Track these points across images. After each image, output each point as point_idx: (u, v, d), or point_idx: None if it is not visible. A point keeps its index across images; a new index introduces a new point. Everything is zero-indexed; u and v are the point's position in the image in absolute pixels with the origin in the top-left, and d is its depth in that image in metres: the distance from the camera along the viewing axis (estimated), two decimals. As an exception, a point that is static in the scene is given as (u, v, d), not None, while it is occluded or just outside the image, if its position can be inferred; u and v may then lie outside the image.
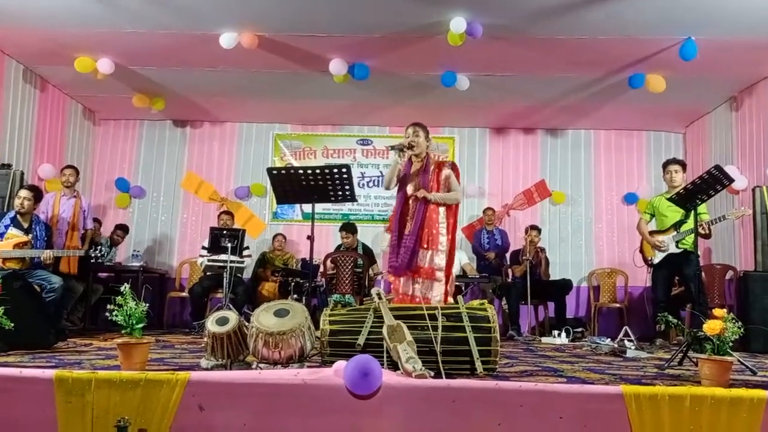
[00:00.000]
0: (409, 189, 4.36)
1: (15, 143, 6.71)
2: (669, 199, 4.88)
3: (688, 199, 4.42)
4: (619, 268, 8.16)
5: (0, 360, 3.24)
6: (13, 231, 5.17)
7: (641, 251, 5.87)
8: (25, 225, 5.27)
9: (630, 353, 4.51)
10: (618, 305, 7.90)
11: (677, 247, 5.45)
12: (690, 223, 5.08)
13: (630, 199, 8.52)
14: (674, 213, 5.44)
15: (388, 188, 4.52)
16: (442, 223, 4.27)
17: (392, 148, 4.44)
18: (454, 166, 4.52)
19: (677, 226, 5.46)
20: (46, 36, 6.10)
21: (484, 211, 8.12)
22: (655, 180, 8.30)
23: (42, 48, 6.36)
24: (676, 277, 5.94)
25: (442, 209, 4.30)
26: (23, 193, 5.31)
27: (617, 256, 8.38)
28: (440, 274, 4.18)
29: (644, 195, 8.31)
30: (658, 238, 5.59)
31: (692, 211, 4.55)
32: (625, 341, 5.03)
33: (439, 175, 4.36)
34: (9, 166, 6.11)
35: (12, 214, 5.27)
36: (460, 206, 4.66)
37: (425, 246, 4.18)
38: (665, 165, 5.71)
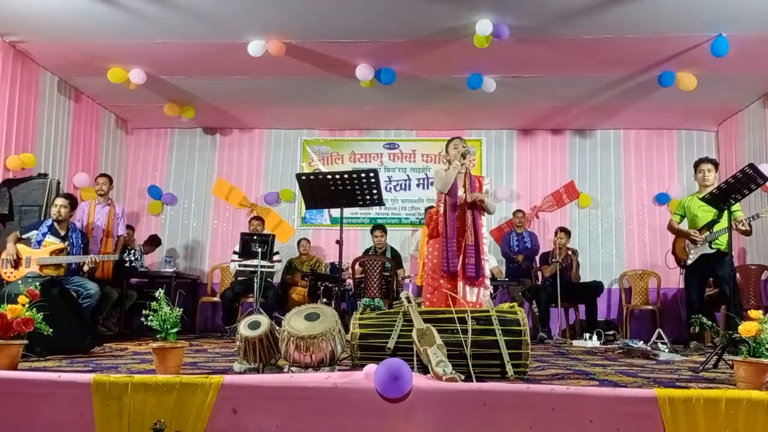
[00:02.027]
0: (460, 192, 4.38)
1: (51, 153, 6.89)
2: (702, 199, 4.80)
3: (721, 198, 4.34)
4: (651, 269, 8.04)
5: (39, 365, 3.32)
6: (50, 239, 5.30)
7: (674, 252, 5.78)
8: (62, 233, 5.40)
9: (663, 356, 4.45)
10: (650, 307, 7.78)
11: (710, 247, 5.35)
12: (723, 223, 4.99)
13: (661, 199, 8.39)
14: (706, 213, 5.35)
15: (443, 192, 4.44)
16: (485, 233, 4.43)
17: (464, 155, 4.48)
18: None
19: (710, 226, 5.36)
20: (80, 48, 6.26)
21: (513, 214, 8.07)
22: (687, 179, 8.16)
23: (76, 60, 6.52)
24: (710, 278, 5.82)
25: (484, 218, 4.44)
26: (59, 201, 5.44)
27: (649, 258, 8.25)
28: (488, 282, 4.32)
29: (676, 195, 8.18)
30: (692, 232, 5.47)
31: (725, 211, 4.47)
32: (659, 344, 4.97)
33: (481, 188, 4.49)
34: (45, 175, 6.26)
35: (49, 222, 5.40)
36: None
37: (482, 256, 4.26)
38: (697, 164, 5.61)
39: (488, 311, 3.12)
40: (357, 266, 6.95)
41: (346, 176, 4.52)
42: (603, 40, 5.87)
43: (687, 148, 8.52)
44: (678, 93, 6.73)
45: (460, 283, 4.19)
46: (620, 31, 5.71)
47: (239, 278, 7.20)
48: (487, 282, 4.29)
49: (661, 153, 8.60)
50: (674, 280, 7.31)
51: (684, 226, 5.72)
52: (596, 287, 7.14)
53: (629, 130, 8.64)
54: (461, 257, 4.22)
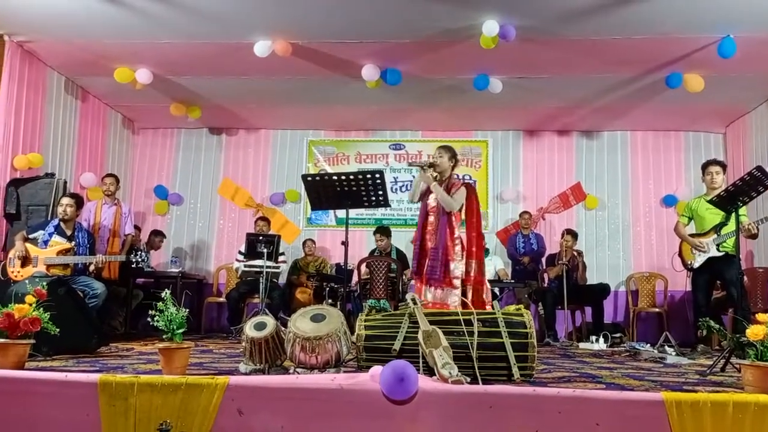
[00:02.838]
0: (430, 199, 4.59)
1: (58, 153, 6.92)
2: (709, 201, 4.77)
3: (729, 201, 4.31)
4: (658, 272, 8.01)
5: (45, 364, 3.33)
6: (56, 238, 5.32)
7: (680, 255, 5.75)
8: (68, 232, 5.42)
9: (670, 359, 4.43)
10: (657, 310, 7.74)
11: (718, 250, 5.33)
12: (731, 226, 4.97)
13: (669, 201, 8.36)
14: (713, 215, 5.32)
15: (412, 201, 4.85)
16: (456, 235, 4.46)
17: (411, 164, 4.91)
18: (467, 185, 4.67)
19: (717, 228, 5.34)
20: (87, 48, 6.28)
21: (520, 215, 8.04)
22: (695, 181, 8.13)
23: (83, 59, 6.54)
24: (718, 281, 5.79)
25: (454, 221, 4.48)
26: (65, 200, 5.46)
27: (656, 260, 8.22)
28: (456, 282, 4.36)
29: (683, 197, 8.15)
30: (698, 240, 5.47)
31: (733, 214, 4.44)
32: (666, 347, 4.95)
33: (449, 190, 4.55)
34: (52, 175, 6.28)
35: (56, 222, 5.42)
36: (483, 212, 4.87)
37: (450, 258, 4.39)
38: (705, 166, 5.59)
39: (494, 313, 3.11)
40: (363, 267, 6.94)
41: (351, 177, 4.53)
42: (610, 41, 5.85)
43: (694, 150, 8.49)
44: (685, 94, 6.70)
45: (426, 288, 4.41)
46: (627, 32, 5.69)
47: (244, 278, 7.20)
48: (456, 283, 4.34)
49: (668, 155, 8.57)
50: (681, 282, 7.26)
51: (691, 228, 5.69)
52: (603, 289, 7.12)
53: (636, 132, 8.61)
54: (427, 259, 4.46)
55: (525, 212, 8.03)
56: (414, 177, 4.74)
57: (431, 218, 4.54)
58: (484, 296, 4.38)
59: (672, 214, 8.18)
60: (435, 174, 4.57)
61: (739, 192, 4.19)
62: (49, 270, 5.10)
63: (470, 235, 4.47)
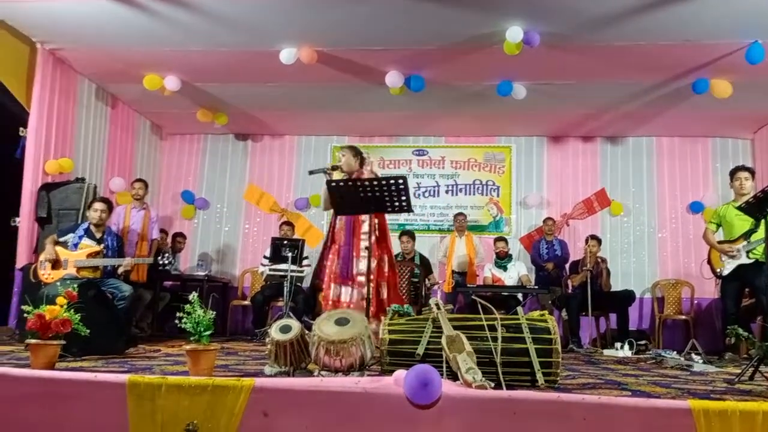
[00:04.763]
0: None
1: (88, 158, 7.07)
2: (738, 208, 4.70)
3: (758, 207, 4.25)
4: (684, 279, 7.90)
5: (75, 365, 3.40)
6: (86, 241, 5.42)
7: (709, 262, 5.67)
8: (98, 236, 5.52)
9: (697, 367, 4.36)
10: (684, 317, 7.64)
11: (748, 257, 5.24)
12: (761, 233, 4.89)
13: (695, 207, 8.25)
14: (742, 222, 5.24)
15: (326, 209, 4.89)
16: (364, 231, 4.52)
17: (311, 172, 4.88)
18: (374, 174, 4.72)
19: (747, 235, 5.25)
20: (117, 56, 6.41)
21: (543, 221, 8.00)
22: (722, 188, 8.01)
23: (113, 67, 6.68)
24: (747, 289, 5.70)
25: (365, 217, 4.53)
26: (99, 205, 5.55)
27: (683, 267, 8.11)
28: (360, 279, 4.45)
29: (710, 203, 8.03)
30: (728, 245, 5.39)
31: (762, 220, 4.37)
32: (692, 354, 4.88)
33: None
34: (83, 180, 6.41)
35: (85, 225, 5.53)
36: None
37: (356, 255, 4.50)
38: (733, 172, 5.51)
39: (518, 319, 3.10)
40: (385, 272, 6.95)
41: (375, 183, 4.54)
42: (635, 47, 5.81)
43: (722, 156, 8.37)
44: (712, 100, 6.62)
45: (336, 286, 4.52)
46: (653, 38, 5.65)
47: (269, 282, 7.26)
48: (359, 279, 4.42)
49: (695, 161, 8.46)
50: (708, 290, 7.17)
51: (720, 235, 5.61)
52: (628, 296, 7.04)
53: (662, 138, 8.52)
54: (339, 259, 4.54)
55: (548, 218, 8.00)
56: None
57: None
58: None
59: (699, 221, 8.07)
60: (343, 174, 4.61)
61: (768, 198, 4.12)
62: (79, 272, 5.19)
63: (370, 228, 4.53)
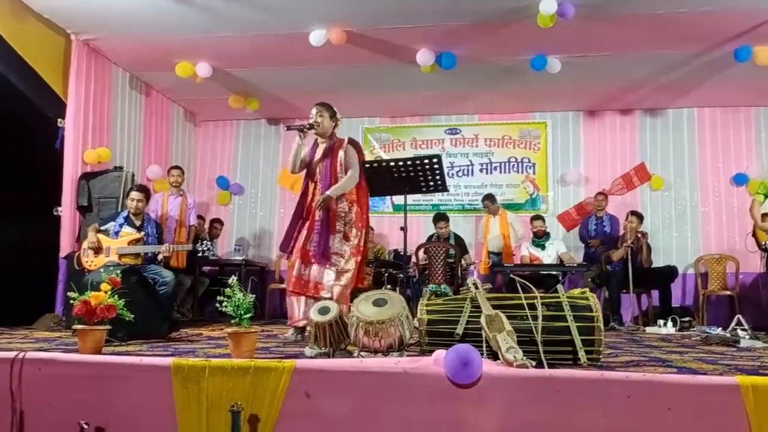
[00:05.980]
0: (317, 174, 4.44)
1: (125, 147, 7.18)
2: (786, 179, 4.56)
3: (807, 177, 4.10)
4: (728, 253, 7.69)
5: (121, 349, 3.48)
6: (127, 229, 5.52)
7: (754, 235, 5.52)
8: (138, 223, 5.62)
9: (744, 343, 4.25)
10: (729, 293, 7.45)
11: (795, 229, 5.08)
12: (810, 204, 4.73)
13: (739, 179, 8.00)
14: (791, 193, 5.08)
15: (293, 172, 4.57)
16: (341, 207, 4.32)
17: (289, 128, 4.55)
18: (352, 142, 4.54)
19: (795, 206, 5.09)
20: (149, 44, 6.48)
21: (594, 196, 7.79)
22: (767, 158, 7.75)
23: (145, 56, 6.76)
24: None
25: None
26: (135, 195, 5.64)
27: (726, 241, 7.90)
28: (334, 259, 4.24)
29: (755, 175, 7.78)
30: None
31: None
32: (738, 330, 4.75)
33: (337, 158, 4.39)
34: (121, 168, 6.52)
35: (125, 213, 5.63)
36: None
37: (332, 231, 4.27)
38: (780, 142, 5.32)
39: (559, 297, 3.05)
40: (421, 253, 6.94)
41: (409, 163, 4.53)
42: (673, 15, 5.62)
43: (765, 126, 8.09)
44: (755, 68, 6.39)
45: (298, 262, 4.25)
46: (692, 5, 5.45)
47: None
48: (334, 259, 4.22)
49: (737, 131, 8.19)
50: (754, 264, 6.96)
51: (767, 207, 5.44)
52: (670, 272, 6.90)
53: (703, 108, 8.26)
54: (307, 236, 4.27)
55: (599, 193, 7.76)
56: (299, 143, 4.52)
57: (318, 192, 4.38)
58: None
59: (743, 193, 7.83)
60: (313, 133, 4.44)
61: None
62: (120, 259, 5.30)
63: (351, 204, 4.36)
